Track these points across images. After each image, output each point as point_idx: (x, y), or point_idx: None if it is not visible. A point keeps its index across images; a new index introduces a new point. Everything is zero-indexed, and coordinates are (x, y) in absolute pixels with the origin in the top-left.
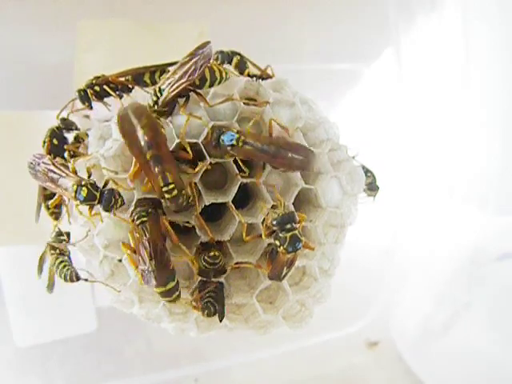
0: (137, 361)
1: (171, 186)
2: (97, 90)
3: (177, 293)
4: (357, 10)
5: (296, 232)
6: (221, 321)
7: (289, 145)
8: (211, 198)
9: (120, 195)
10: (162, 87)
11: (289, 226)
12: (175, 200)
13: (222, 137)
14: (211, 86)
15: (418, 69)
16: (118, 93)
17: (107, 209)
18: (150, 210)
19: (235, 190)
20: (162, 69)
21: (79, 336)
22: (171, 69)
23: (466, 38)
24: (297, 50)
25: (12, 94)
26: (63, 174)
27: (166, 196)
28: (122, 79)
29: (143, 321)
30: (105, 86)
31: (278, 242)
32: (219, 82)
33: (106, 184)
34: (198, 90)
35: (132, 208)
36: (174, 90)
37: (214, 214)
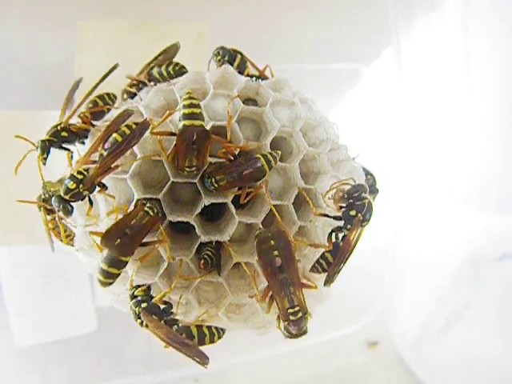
0: (137, 361)
1: (296, 309)
2: (65, 136)
3: (110, 280)
4: (357, 10)
5: (371, 200)
6: (219, 274)
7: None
8: (211, 198)
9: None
10: None
11: (364, 194)
12: (298, 323)
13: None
14: None
15: (418, 69)
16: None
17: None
18: (159, 214)
19: (234, 190)
20: (169, 61)
21: (79, 336)
22: None
23: (466, 38)
24: (297, 50)
25: (12, 94)
26: None
27: (291, 318)
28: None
29: None
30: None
31: (354, 212)
32: None
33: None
34: None
35: (133, 205)
36: None
37: (213, 214)
